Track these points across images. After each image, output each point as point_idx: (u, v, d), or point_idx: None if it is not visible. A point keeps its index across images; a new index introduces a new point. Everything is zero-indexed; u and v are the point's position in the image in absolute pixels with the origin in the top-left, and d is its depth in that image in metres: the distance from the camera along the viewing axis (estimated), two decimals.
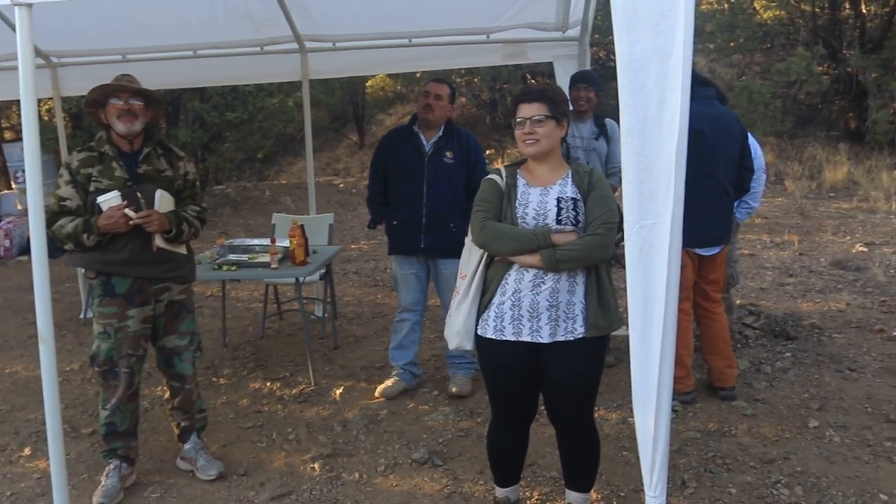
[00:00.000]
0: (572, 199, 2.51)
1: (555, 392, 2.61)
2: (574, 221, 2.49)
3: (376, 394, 4.25)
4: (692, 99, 3.82)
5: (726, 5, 13.59)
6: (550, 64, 5.64)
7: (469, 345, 2.64)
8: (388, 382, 4.28)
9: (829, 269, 6.74)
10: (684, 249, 3.83)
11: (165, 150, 3.31)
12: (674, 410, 3.86)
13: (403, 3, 5.06)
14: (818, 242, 7.71)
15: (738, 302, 5.62)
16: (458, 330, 2.62)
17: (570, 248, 2.44)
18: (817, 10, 12.90)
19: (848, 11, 12.72)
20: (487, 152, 13.92)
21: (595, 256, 2.47)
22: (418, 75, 13.89)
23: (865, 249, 7.30)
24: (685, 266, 3.87)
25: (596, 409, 3.91)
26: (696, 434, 3.62)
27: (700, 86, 3.92)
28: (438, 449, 3.59)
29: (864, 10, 12.55)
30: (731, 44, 13.49)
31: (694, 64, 4.06)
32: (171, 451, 3.63)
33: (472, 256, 2.64)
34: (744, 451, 3.44)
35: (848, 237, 7.84)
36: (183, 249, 3.34)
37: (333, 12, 5.21)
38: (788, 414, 3.82)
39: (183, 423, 3.47)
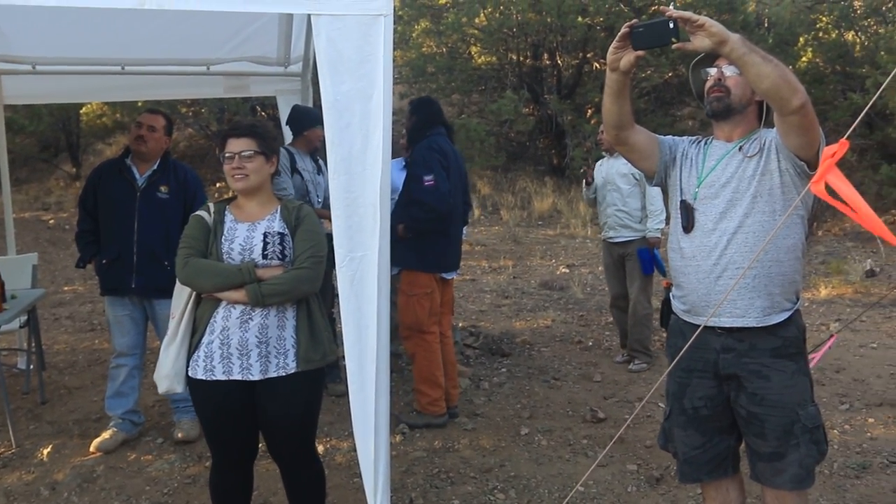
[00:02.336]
0: (279, 233, 2.53)
1: (272, 429, 2.60)
2: (280, 256, 2.51)
3: (91, 448, 3.90)
4: (438, 135, 4.13)
5: (445, 49, 14.61)
6: None
7: (180, 387, 2.54)
8: (105, 435, 3.96)
9: (538, 290, 7.50)
10: (432, 275, 4.08)
11: None
12: (402, 433, 4.04)
13: (115, 28, 4.76)
14: (529, 266, 8.55)
15: (460, 324, 6.03)
16: (166, 373, 2.52)
17: (275, 283, 2.45)
18: (522, 58, 14.38)
19: (547, 61, 14.36)
20: (217, 185, 13.47)
21: (302, 290, 2.51)
22: (140, 104, 13.10)
23: (567, 271, 8.24)
24: (434, 291, 4.09)
25: (327, 438, 3.99)
26: (423, 453, 3.81)
27: (440, 124, 4.23)
28: (162, 500, 3.39)
29: (559, 61, 14.25)
30: (452, 84, 14.53)
31: (434, 102, 4.35)
32: None
33: (181, 295, 2.56)
34: (465, 463, 3.69)
35: (553, 260, 8.79)
36: None
37: (33, 32, 4.74)
38: (504, 424, 4.18)
39: None
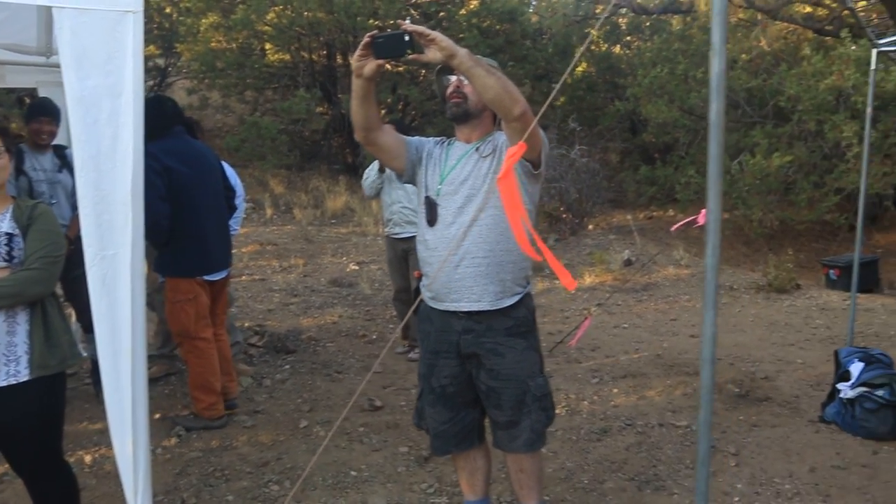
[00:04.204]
0: (7, 234, 2.42)
1: (8, 441, 2.48)
2: (7, 257, 2.40)
3: None
4: (173, 136, 4.01)
5: (235, 45, 14.23)
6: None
7: None
8: None
9: (327, 287, 7.60)
10: (195, 279, 4.00)
11: None
12: (178, 435, 3.97)
13: None
14: (320, 264, 8.62)
15: (246, 324, 5.99)
16: None
17: (1, 285, 2.35)
18: (315, 57, 14.39)
19: (340, 60, 14.48)
20: None
21: (33, 292, 2.41)
22: None
23: (357, 268, 8.41)
24: (200, 295, 4.01)
25: (97, 447, 3.84)
26: (199, 453, 3.78)
27: (178, 123, 4.12)
28: None
29: (351, 62, 14.42)
30: (245, 80, 14.20)
31: (166, 102, 4.18)
32: None
33: None
34: (242, 459, 3.72)
35: (344, 258, 8.93)
36: None
37: None
38: (284, 419, 4.24)
39: None
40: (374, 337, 5.89)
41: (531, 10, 16.42)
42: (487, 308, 2.47)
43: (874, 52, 4.68)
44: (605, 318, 6.72)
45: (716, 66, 1.56)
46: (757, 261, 9.81)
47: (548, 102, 1.79)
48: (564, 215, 10.49)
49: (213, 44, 14.21)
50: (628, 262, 8.88)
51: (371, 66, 2.29)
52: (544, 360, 2.73)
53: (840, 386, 4.18)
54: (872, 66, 4.73)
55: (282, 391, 4.67)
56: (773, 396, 4.58)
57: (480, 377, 2.54)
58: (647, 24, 16.68)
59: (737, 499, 3.32)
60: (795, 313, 6.89)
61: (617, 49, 17.83)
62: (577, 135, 11.06)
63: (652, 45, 12.99)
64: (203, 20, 14.51)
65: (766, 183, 9.36)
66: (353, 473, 3.56)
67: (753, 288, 7.93)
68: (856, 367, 4.19)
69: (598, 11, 16.34)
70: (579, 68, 16.86)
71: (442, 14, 14.32)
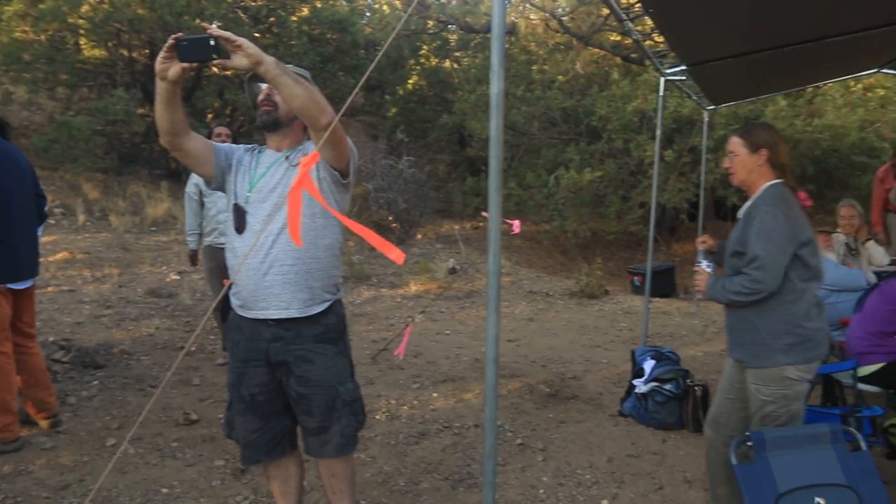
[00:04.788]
0: None
1: None
2: None
3: None
4: None
5: (44, 37, 13.18)
6: None
7: None
8: None
9: (144, 298, 7.22)
10: None
11: None
12: None
13: None
14: (137, 274, 8.17)
15: (50, 339, 5.57)
16: None
17: None
18: (136, 55, 13.63)
19: None
20: None
21: None
22: None
23: (178, 277, 8.06)
24: (2, 305, 3.71)
25: None
26: None
27: None
28: None
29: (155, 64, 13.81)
30: (57, 76, 13.17)
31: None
32: None
33: None
34: (39, 484, 3.46)
35: (164, 267, 8.51)
36: None
37: None
38: (89, 438, 3.99)
39: None
40: (194, 349, 5.68)
41: (364, 22, 16.53)
42: (296, 315, 2.49)
43: (662, 80, 5.19)
44: (429, 324, 6.90)
45: (495, 86, 1.70)
46: (572, 269, 10.45)
47: (351, 97, 1.85)
48: (393, 225, 10.64)
49: (17, 34, 13.10)
50: (453, 271, 9.16)
51: (175, 69, 2.24)
52: (355, 367, 2.79)
53: (635, 382, 4.58)
54: (661, 93, 5.25)
55: (88, 409, 4.39)
56: (580, 395, 4.92)
57: (290, 384, 2.55)
58: (476, 41, 17.32)
59: (542, 491, 3.55)
60: (603, 317, 7.43)
61: (447, 64, 18.37)
62: (406, 146, 11.27)
63: (478, 62, 13.51)
64: (6, 7, 13.32)
65: (580, 196, 10.03)
66: (163, 491, 3.43)
67: (567, 294, 8.46)
68: (648, 365, 4.61)
69: (429, 26, 16.76)
70: (410, 81, 17.21)
71: (272, 19, 14.07)
